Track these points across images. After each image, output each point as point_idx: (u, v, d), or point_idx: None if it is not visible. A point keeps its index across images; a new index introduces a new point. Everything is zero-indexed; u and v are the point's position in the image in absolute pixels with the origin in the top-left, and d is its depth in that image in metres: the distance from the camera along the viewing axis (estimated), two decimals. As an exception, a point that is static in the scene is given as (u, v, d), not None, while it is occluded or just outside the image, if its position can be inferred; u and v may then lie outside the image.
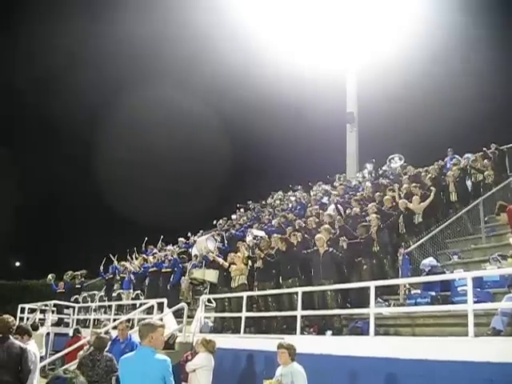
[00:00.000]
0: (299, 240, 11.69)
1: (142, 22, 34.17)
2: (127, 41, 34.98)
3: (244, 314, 10.80)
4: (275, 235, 12.65)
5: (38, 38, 34.43)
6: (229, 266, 12.65)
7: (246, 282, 12.02)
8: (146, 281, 16.52)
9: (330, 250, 10.37)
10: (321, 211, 15.24)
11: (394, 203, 12.94)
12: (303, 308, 9.59)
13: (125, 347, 8.88)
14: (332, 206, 15.42)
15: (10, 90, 36.65)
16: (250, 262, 12.33)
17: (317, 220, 13.74)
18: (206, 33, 30.40)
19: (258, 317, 11.32)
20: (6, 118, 38.68)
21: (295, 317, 9.61)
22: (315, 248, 10.64)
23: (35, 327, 12.64)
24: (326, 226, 11.87)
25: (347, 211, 14.37)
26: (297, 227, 13.64)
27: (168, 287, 15.44)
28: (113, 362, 7.47)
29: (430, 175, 14.75)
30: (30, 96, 38.20)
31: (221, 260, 13.24)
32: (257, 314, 11.28)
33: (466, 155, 17.48)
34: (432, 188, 12.86)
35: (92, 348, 8.07)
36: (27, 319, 16.99)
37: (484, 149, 15.99)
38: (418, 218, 12.23)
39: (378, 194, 14.50)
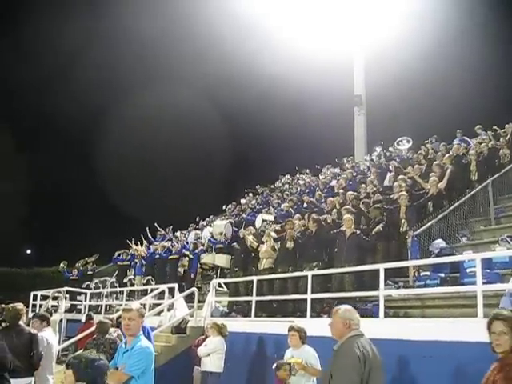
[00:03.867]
0: (329, 222, 11.50)
1: (147, 22, 34.27)
2: (133, 40, 35.39)
3: (254, 297, 10.82)
4: (305, 216, 12.37)
5: (43, 37, 34.61)
6: (257, 246, 12.35)
7: (273, 265, 11.65)
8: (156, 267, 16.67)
9: (358, 232, 10.06)
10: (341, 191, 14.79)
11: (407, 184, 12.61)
12: (322, 291, 9.59)
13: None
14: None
15: (13, 89, 37.05)
16: (276, 247, 11.93)
17: (340, 201, 13.33)
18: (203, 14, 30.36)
19: (271, 300, 11.19)
20: (11, 117, 39.10)
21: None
22: (341, 229, 10.29)
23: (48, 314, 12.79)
24: (348, 206, 11.69)
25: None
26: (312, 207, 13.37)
27: (177, 273, 15.56)
28: (116, 344, 7.52)
29: (449, 154, 14.14)
30: (34, 95, 38.51)
31: (250, 238, 12.81)
32: (266, 297, 11.13)
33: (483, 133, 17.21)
34: (449, 166, 12.43)
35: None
36: (40, 306, 17.18)
37: (494, 127, 15.83)
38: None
39: (391, 174, 14.34)
